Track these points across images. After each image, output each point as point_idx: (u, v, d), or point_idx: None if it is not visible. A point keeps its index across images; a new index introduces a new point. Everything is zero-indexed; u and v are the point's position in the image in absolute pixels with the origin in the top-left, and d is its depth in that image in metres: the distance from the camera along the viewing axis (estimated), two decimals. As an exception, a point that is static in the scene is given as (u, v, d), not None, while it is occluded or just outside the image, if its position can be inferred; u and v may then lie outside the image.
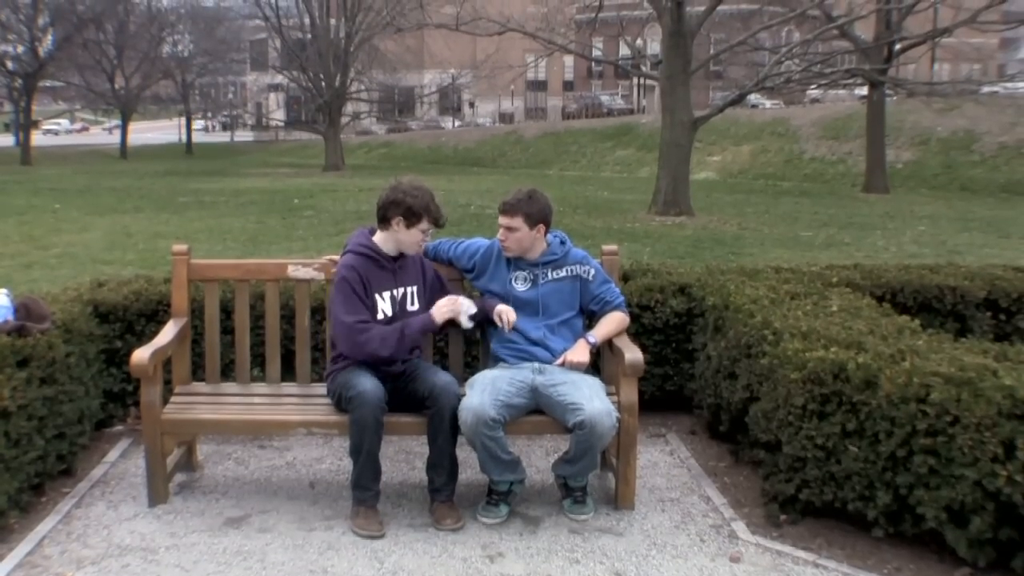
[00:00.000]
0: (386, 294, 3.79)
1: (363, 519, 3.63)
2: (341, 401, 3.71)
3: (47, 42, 42.29)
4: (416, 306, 3.86)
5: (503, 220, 3.89)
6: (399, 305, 3.82)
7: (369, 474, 3.67)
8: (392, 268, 3.82)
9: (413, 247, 3.84)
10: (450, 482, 3.76)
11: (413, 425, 3.76)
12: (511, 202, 3.88)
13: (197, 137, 57.76)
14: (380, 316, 3.76)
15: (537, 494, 3.95)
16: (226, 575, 3.27)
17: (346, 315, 3.69)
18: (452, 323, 3.87)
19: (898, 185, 25.99)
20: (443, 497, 3.73)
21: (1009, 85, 32.66)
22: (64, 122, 73.09)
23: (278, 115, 57.22)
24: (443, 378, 3.71)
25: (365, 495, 3.68)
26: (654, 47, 24.14)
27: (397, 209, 3.75)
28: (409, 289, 3.86)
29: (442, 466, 3.73)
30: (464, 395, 3.62)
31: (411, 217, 3.75)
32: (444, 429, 3.65)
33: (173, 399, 4.00)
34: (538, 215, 3.88)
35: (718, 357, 4.33)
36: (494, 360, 3.94)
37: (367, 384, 3.58)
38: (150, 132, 67.69)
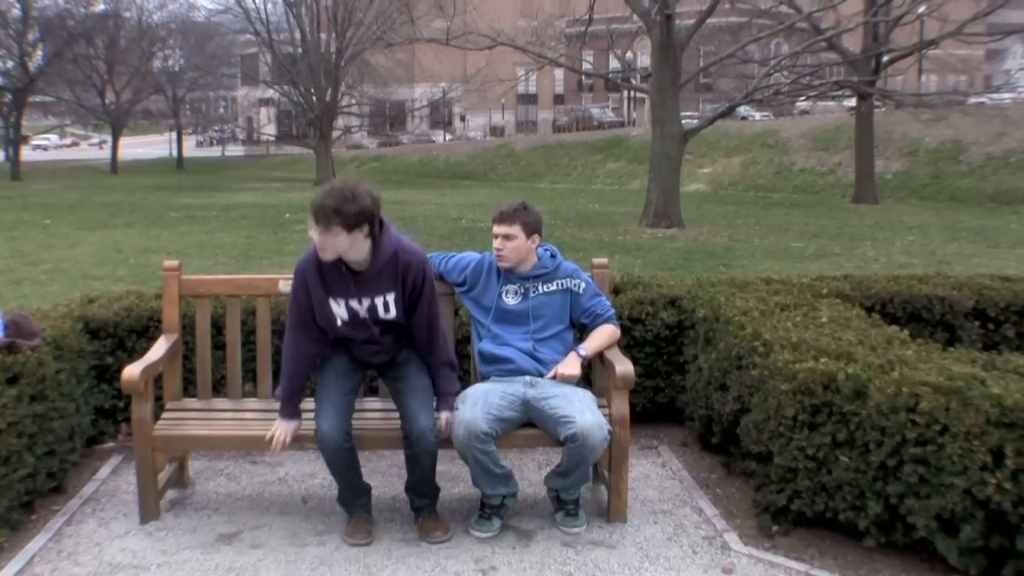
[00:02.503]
0: (341, 301, 3.59)
1: (351, 527, 3.68)
2: None
3: (37, 57, 42.33)
4: (392, 314, 3.62)
5: (500, 229, 3.90)
6: (368, 312, 3.61)
7: (348, 494, 3.73)
8: (350, 275, 3.56)
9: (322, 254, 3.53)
10: (432, 501, 3.79)
11: (388, 441, 3.76)
12: (508, 211, 3.91)
13: (188, 152, 57.77)
14: (339, 322, 3.62)
15: (530, 507, 3.95)
16: (218, 591, 3.26)
17: (288, 321, 3.73)
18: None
19: (887, 196, 26.14)
20: (427, 512, 3.76)
21: (995, 96, 32.95)
22: (53, 137, 73.01)
23: (269, 129, 57.24)
24: (421, 423, 3.57)
25: (350, 508, 3.75)
26: (644, 60, 24.23)
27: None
28: (379, 299, 3.60)
29: (422, 491, 3.76)
30: (439, 435, 3.62)
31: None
32: (423, 467, 3.67)
33: (164, 415, 3.99)
34: (534, 225, 3.91)
35: (709, 369, 4.34)
36: (483, 377, 3.94)
37: (324, 423, 3.55)
38: (140, 147, 67.63)
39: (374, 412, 4.05)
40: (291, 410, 3.70)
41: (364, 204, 3.38)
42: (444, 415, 3.63)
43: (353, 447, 3.62)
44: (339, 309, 3.60)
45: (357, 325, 3.64)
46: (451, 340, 4.23)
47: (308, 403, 4.10)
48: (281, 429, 3.65)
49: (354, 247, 3.46)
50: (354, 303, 3.59)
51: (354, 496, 3.74)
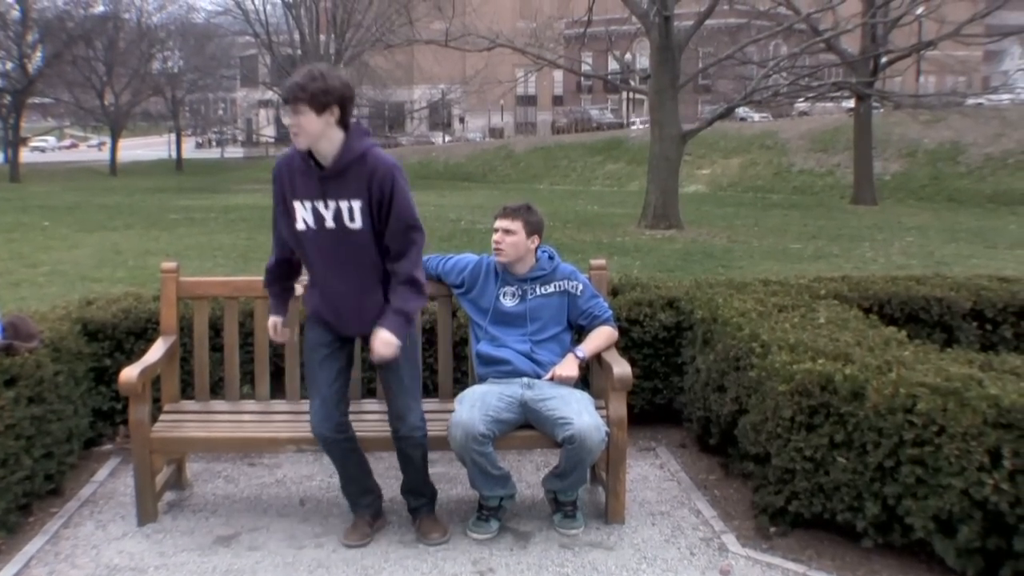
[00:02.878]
0: (307, 203, 3.40)
1: (350, 527, 3.69)
2: None
3: (36, 59, 42.32)
4: (358, 223, 3.37)
5: (502, 223, 3.90)
6: (335, 219, 3.38)
7: (350, 486, 3.74)
8: (317, 171, 3.38)
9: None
10: (429, 501, 3.79)
11: (387, 443, 3.75)
12: (512, 207, 3.93)
13: (187, 153, 57.76)
14: (301, 226, 3.42)
15: (527, 509, 3.95)
16: (216, 593, 3.26)
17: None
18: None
19: (886, 196, 26.15)
20: (424, 512, 3.75)
21: (993, 97, 32.98)
22: (51, 139, 72.93)
23: (268, 131, 57.26)
24: (410, 423, 3.56)
25: (354, 505, 3.76)
26: (643, 61, 24.20)
27: None
28: (344, 203, 3.36)
29: (418, 491, 3.76)
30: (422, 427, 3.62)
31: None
32: (415, 465, 3.68)
33: (162, 417, 3.99)
34: (536, 225, 3.92)
35: (707, 370, 4.34)
36: (480, 378, 3.94)
37: (313, 419, 3.55)
38: (139, 149, 67.62)
39: (372, 414, 4.06)
40: (273, 305, 3.77)
41: (332, 84, 3.26)
42: (381, 334, 3.40)
43: (350, 438, 3.60)
44: (303, 211, 3.41)
45: (322, 237, 3.41)
46: (448, 342, 4.25)
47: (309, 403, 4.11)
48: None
49: (325, 136, 3.31)
50: (320, 206, 3.38)
51: (359, 493, 3.72)
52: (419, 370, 3.70)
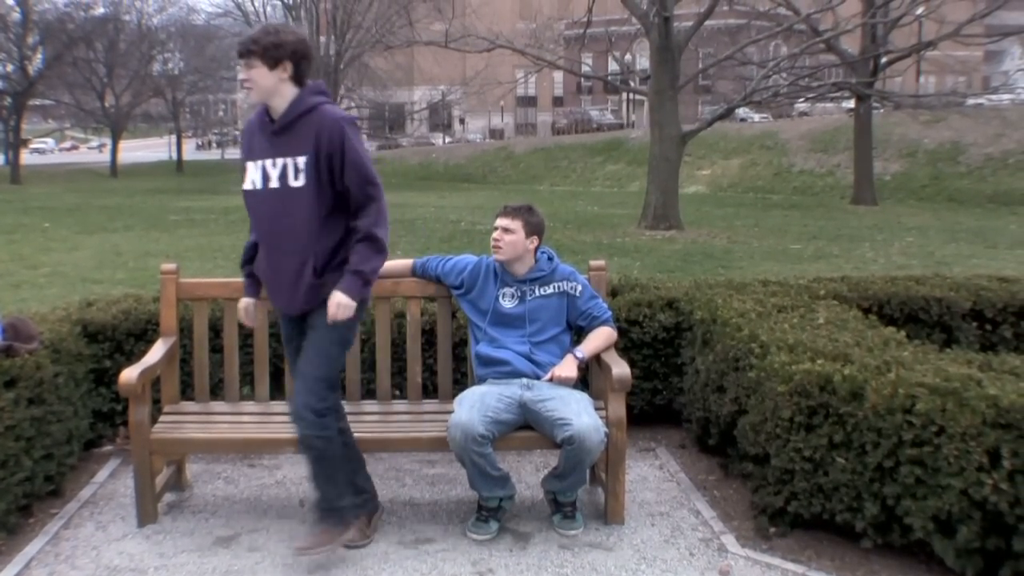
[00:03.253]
0: (259, 162, 3.30)
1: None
2: None
3: (37, 61, 42.32)
4: (300, 182, 3.23)
5: (502, 221, 3.91)
6: (280, 179, 3.26)
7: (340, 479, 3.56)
8: (270, 131, 3.29)
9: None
10: (340, 503, 3.49)
11: (378, 443, 3.75)
12: (513, 207, 3.94)
13: (187, 155, 57.78)
14: (248, 186, 3.33)
15: (527, 510, 3.95)
16: (215, 594, 3.26)
17: None
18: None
19: (886, 197, 26.15)
20: (339, 516, 3.51)
21: (994, 97, 32.97)
22: (50, 141, 72.89)
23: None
24: (297, 402, 3.35)
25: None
26: (643, 62, 24.19)
27: None
28: (291, 160, 3.25)
29: (319, 487, 3.48)
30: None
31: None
32: (310, 457, 3.43)
33: (162, 418, 3.99)
34: (536, 226, 3.93)
35: (706, 371, 4.34)
36: (480, 379, 3.94)
37: (290, 406, 3.50)
38: (140, 150, 67.66)
39: (371, 415, 4.07)
40: (246, 285, 3.68)
41: (285, 39, 3.20)
42: (336, 297, 3.26)
43: (323, 423, 3.36)
44: (254, 171, 3.32)
45: (265, 199, 3.31)
46: (448, 343, 4.26)
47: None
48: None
49: (278, 92, 3.23)
50: (268, 164, 3.28)
51: (352, 490, 3.55)
52: (333, 356, 3.43)
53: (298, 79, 3.26)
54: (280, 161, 3.26)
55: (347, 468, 3.53)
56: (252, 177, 3.33)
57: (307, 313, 3.41)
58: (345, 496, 3.49)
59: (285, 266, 3.36)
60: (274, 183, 3.27)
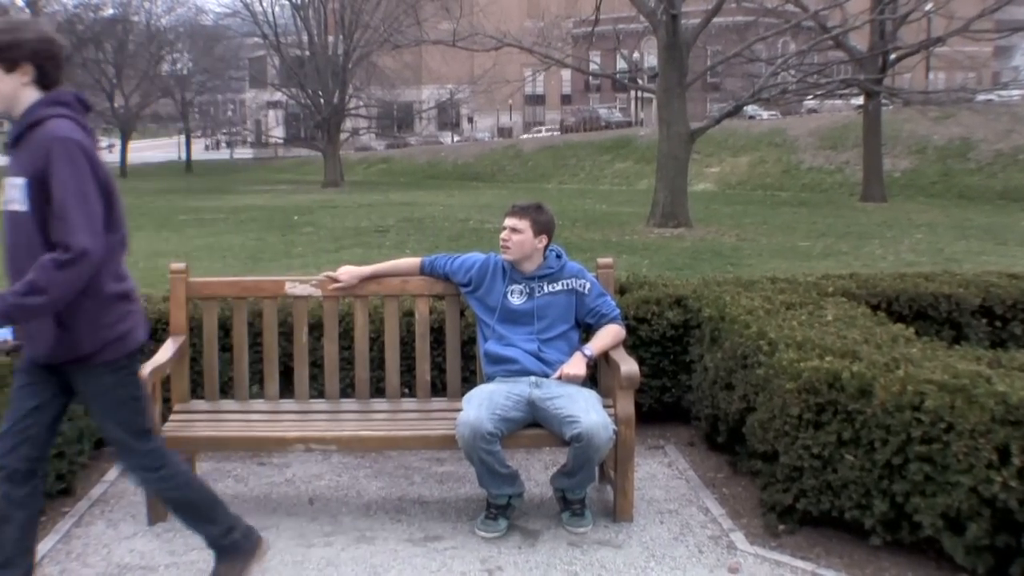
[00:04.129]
0: (3, 180, 2.80)
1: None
2: None
3: (46, 62, 42.43)
4: (22, 206, 2.71)
5: (510, 221, 3.92)
6: (8, 200, 2.75)
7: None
8: (8, 145, 2.82)
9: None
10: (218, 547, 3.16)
11: (383, 441, 3.74)
12: (522, 206, 3.95)
13: (196, 155, 57.98)
14: None
15: (536, 507, 3.95)
16: (226, 592, 3.26)
17: None
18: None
19: (895, 194, 26.07)
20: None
21: (1004, 93, 32.74)
22: None
23: (277, 132, 57.44)
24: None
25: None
26: (651, 60, 24.19)
27: None
28: (16, 180, 2.73)
29: (212, 544, 3.17)
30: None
31: None
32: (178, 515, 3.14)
33: (172, 417, 4.01)
34: (544, 225, 3.93)
35: (715, 368, 4.34)
36: (488, 377, 3.95)
37: None
38: (149, 151, 67.88)
39: (380, 414, 4.08)
40: None
41: (23, 37, 2.73)
42: None
43: (163, 475, 3.06)
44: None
45: (4, 221, 2.79)
46: (457, 341, 4.26)
47: (318, 404, 4.15)
48: None
49: (18, 98, 2.77)
50: (7, 181, 2.77)
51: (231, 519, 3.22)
52: (127, 414, 2.97)
53: (44, 83, 2.80)
54: (10, 180, 2.75)
55: (212, 500, 3.19)
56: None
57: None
58: (230, 526, 3.19)
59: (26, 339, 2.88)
60: (5, 205, 2.77)
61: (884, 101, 25.62)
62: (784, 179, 31.82)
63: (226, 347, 4.42)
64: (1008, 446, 2.99)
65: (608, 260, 4.35)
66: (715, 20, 19.00)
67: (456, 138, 63.80)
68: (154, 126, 60.85)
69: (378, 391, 4.37)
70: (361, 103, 42.67)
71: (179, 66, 53.44)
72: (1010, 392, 3.04)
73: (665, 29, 17.19)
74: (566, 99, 70.85)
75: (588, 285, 4.00)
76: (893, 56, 23.57)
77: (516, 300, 3.94)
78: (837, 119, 35.27)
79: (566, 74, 62.68)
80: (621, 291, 4.95)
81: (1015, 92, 34.36)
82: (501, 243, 3.94)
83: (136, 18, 49.45)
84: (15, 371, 2.97)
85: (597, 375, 4.18)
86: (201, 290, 4.24)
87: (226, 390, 4.42)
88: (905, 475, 3.24)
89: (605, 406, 3.74)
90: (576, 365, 3.83)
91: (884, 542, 3.44)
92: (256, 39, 43.38)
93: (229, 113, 65.23)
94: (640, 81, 22.99)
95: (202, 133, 63.66)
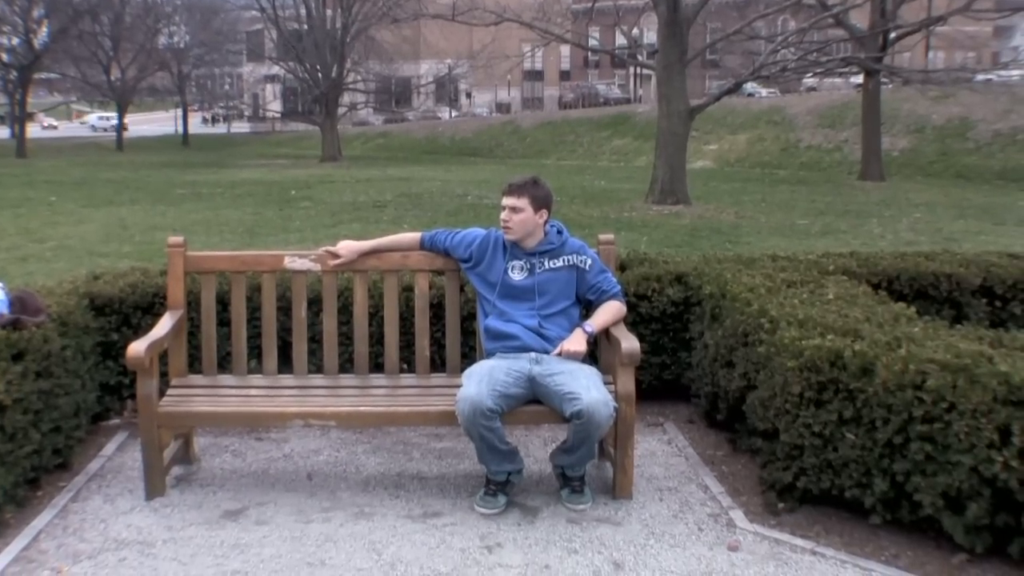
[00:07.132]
0: None
1: None
2: None
3: (42, 34, 42.13)
4: None
5: (508, 200, 3.88)
6: None
7: None
8: None
9: None
10: None
11: (381, 417, 3.73)
12: (518, 183, 3.90)
13: (193, 129, 57.68)
14: None
15: (535, 484, 3.95)
16: (223, 568, 3.26)
17: None
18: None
19: (894, 173, 26.00)
20: None
21: (1003, 73, 32.54)
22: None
23: (275, 106, 57.12)
24: None
25: None
26: (650, 36, 24.05)
27: None
28: None
29: None
30: None
31: None
32: None
33: (170, 392, 3.99)
34: (543, 199, 3.90)
35: (715, 346, 4.33)
36: (488, 353, 3.93)
37: None
38: (146, 124, 67.50)
39: (379, 388, 4.07)
40: None
41: None
42: None
43: None
44: None
45: None
46: (456, 317, 4.24)
47: (316, 379, 4.13)
48: None
49: None
50: None
51: None
52: None
53: None
54: None
55: None
56: None
57: None
58: None
59: None
60: None
61: (883, 80, 25.51)
62: (783, 157, 31.72)
63: (224, 321, 4.40)
64: (1009, 426, 2.98)
65: (609, 236, 4.32)
66: (716, -4, 18.87)
67: (454, 113, 63.48)
68: (151, 99, 60.23)
69: (377, 367, 4.35)
70: (359, 77, 42.40)
71: (176, 39, 52.92)
72: (1012, 372, 3.03)
73: (665, 5, 17.07)
74: (565, 75, 70.47)
75: (589, 261, 3.98)
76: (893, 35, 23.43)
77: (517, 276, 3.91)
78: (836, 97, 35.13)
79: (565, 50, 62.32)
80: (622, 268, 4.94)
81: (1015, 72, 34.15)
82: (503, 224, 3.90)
83: (132, -10, 49.00)
84: None
85: (597, 352, 4.17)
86: (200, 264, 4.21)
87: (224, 365, 4.40)
88: (906, 454, 3.24)
89: (605, 383, 3.72)
90: (577, 341, 3.81)
91: (884, 521, 3.44)
92: (254, 12, 43.03)
93: (226, 87, 64.77)
94: (639, 57, 22.85)
95: (199, 107, 63.24)
